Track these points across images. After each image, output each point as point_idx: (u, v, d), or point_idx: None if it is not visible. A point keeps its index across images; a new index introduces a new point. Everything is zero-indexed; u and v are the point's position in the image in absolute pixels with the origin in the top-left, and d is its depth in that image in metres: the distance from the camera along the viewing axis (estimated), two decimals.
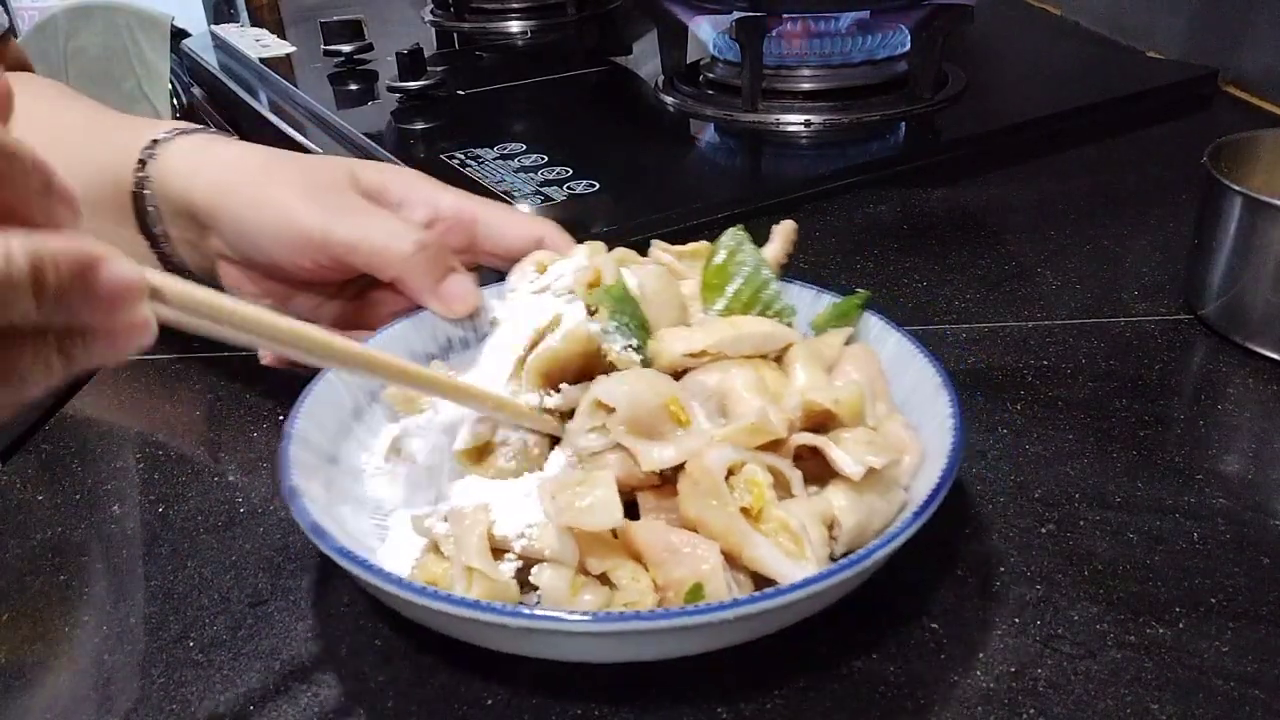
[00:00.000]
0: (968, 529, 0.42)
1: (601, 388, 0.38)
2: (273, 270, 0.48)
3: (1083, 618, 0.37)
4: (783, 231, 0.51)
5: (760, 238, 0.52)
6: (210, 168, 0.49)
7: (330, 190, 0.48)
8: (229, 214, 0.48)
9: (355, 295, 0.52)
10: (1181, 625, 0.37)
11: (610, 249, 0.47)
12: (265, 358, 0.49)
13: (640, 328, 0.42)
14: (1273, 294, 0.51)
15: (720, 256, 0.46)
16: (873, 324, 0.47)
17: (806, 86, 0.89)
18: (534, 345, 0.42)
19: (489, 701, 0.35)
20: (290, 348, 0.33)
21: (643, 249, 0.49)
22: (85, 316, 0.26)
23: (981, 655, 0.36)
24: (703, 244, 0.49)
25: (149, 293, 0.27)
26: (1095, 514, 0.42)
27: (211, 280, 0.51)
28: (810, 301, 0.49)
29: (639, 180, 0.78)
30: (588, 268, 0.44)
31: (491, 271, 0.51)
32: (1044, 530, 0.42)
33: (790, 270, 0.50)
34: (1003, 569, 0.40)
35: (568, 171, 0.76)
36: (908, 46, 0.88)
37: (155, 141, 0.50)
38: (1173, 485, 0.44)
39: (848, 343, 0.46)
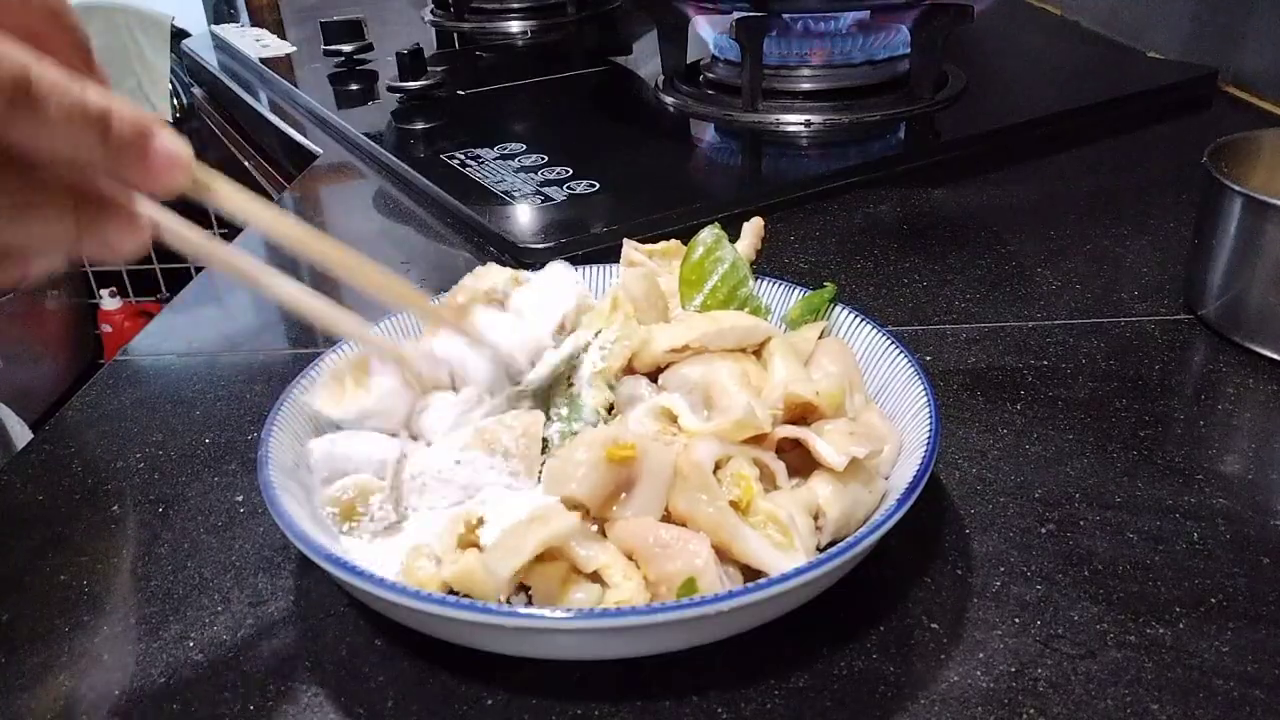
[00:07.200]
0: (968, 529, 0.42)
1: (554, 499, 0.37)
2: None
3: (1083, 618, 0.37)
4: (753, 228, 0.52)
5: (764, 238, 0.52)
6: None
7: None
8: None
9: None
10: (1181, 625, 0.37)
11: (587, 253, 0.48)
12: None
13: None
14: (1273, 294, 0.51)
15: (697, 254, 0.47)
16: (845, 317, 0.48)
17: (806, 86, 0.89)
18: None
19: (489, 701, 0.35)
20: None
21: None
22: (132, 175, 0.30)
23: (981, 655, 0.36)
24: (673, 243, 0.51)
25: (192, 177, 0.32)
26: (1095, 514, 0.42)
27: None
28: (782, 297, 0.50)
29: (639, 180, 0.78)
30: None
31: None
32: (1044, 530, 0.42)
33: (791, 270, 0.50)
34: (1003, 569, 0.40)
35: (568, 171, 0.76)
36: (908, 46, 0.88)
37: None
38: (1173, 485, 0.44)
39: (821, 336, 0.47)
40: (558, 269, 0.48)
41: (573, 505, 0.37)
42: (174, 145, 0.30)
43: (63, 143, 0.28)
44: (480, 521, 0.37)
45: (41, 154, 0.28)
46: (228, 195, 0.34)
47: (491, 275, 0.48)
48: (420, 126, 0.91)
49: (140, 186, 0.31)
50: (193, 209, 0.34)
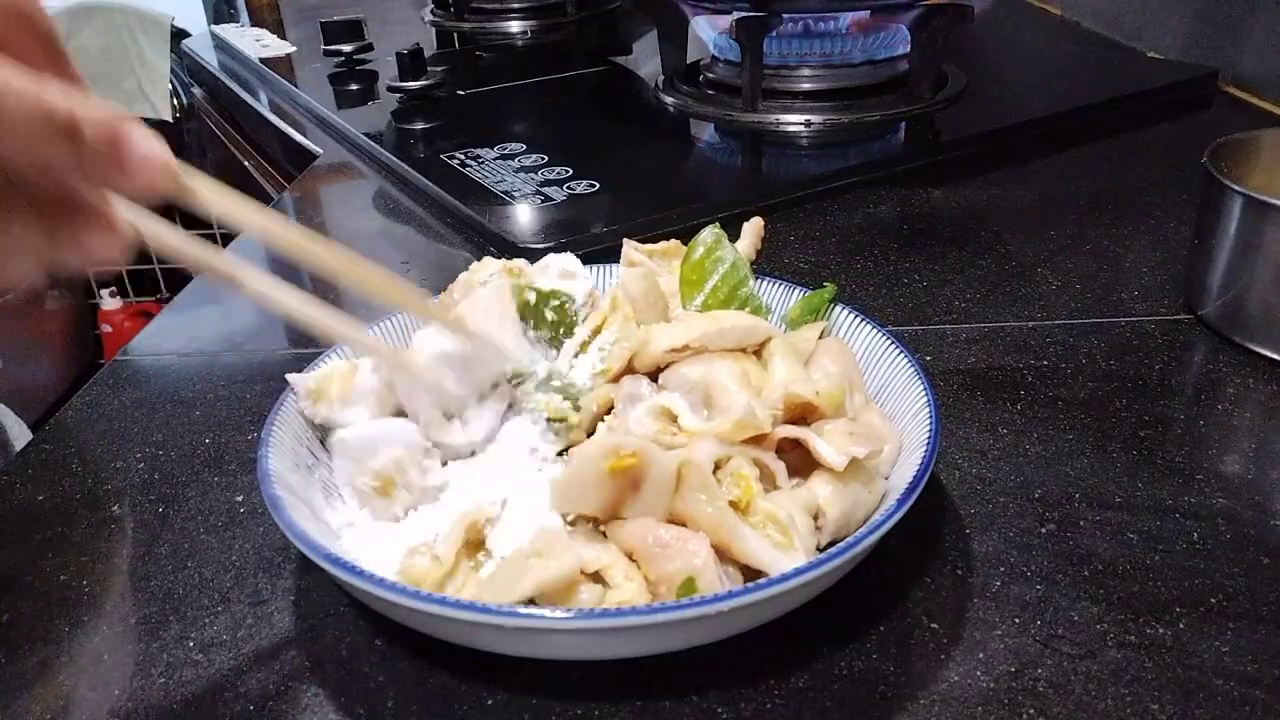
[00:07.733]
0: (968, 529, 0.42)
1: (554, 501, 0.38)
2: None
3: (1083, 618, 0.37)
4: (753, 228, 0.52)
5: (764, 238, 0.52)
6: None
7: None
8: None
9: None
10: (1181, 625, 0.37)
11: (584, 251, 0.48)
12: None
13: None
14: (1273, 294, 0.51)
15: (698, 253, 0.47)
16: (845, 317, 0.48)
17: (806, 86, 0.89)
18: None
19: (489, 701, 0.35)
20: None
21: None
22: (106, 179, 0.28)
23: (981, 655, 0.36)
24: (673, 243, 0.51)
25: (173, 179, 0.30)
26: (1095, 514, 0.42)
27: None
28: (782, 297, 0.50)
29: (639, 180, 0.78)
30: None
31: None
32: (1044, 530, 0.42)
33: (791, 270, 0.50)
34: (1003, 569, 0.40)
35: (568, 171, 0.76)
36: (908, 46, 0.88)
37: None
38: (1173, 485, 0.44)
39: (821, 336, 0.47)
40: (562, 261, 0.48)
41: (582, 517, 0.37)
42: (150, 146, 0.28)
43: (25, 148, 0.26)
44: (489, 522, 0.37)
45: (4, 160, 0.26)
46: (212, 197, 0.33)
47: (488, 269, 0.48)
48: (420, 126, 0.91)
49: (116, 190, 0.29)
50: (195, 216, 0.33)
